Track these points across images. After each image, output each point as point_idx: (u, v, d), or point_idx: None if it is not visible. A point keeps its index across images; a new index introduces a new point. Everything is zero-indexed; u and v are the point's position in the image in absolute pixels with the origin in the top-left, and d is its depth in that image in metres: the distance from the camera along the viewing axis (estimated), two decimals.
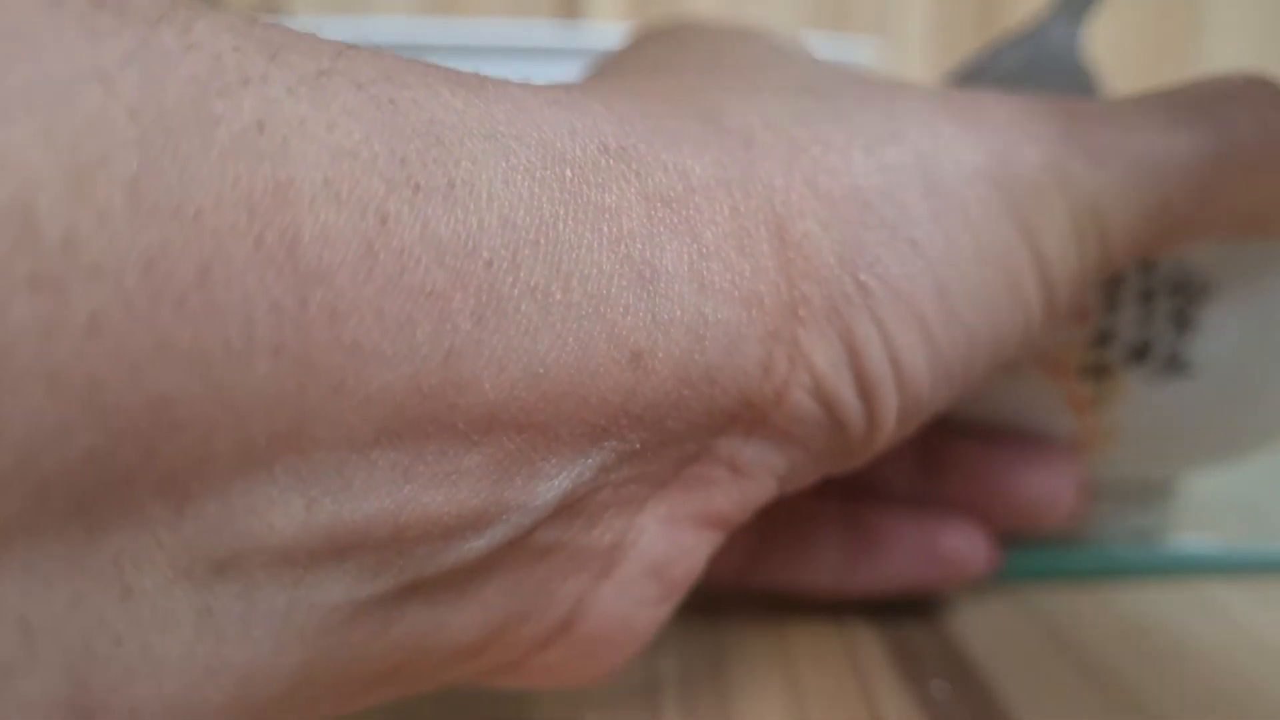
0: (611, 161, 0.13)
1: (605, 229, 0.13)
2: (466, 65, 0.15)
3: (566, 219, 0.12)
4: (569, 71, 0.20)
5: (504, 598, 0.14)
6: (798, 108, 0.16)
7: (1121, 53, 0.57)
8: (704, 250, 0.13)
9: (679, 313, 0.13)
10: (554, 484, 0.13)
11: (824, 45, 0.39)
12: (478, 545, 0.13)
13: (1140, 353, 0.21)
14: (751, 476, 0.15)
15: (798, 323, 0.14)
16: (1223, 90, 0.17)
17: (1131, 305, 0.20)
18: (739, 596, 0.24)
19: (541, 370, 0.12)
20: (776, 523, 0.22)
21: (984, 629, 0.23)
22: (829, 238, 0.14)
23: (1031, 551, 0.26)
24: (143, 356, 0.10)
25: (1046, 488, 0.22)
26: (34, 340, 0.09)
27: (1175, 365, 0.21)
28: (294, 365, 0.11)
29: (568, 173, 0.13)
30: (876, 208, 0.15)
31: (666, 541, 0.15)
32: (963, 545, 0.22)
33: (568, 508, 0.14)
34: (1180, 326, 0.20)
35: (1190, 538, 0.27)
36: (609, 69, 0.18)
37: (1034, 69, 0.24)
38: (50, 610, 0.10)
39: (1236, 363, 0.21)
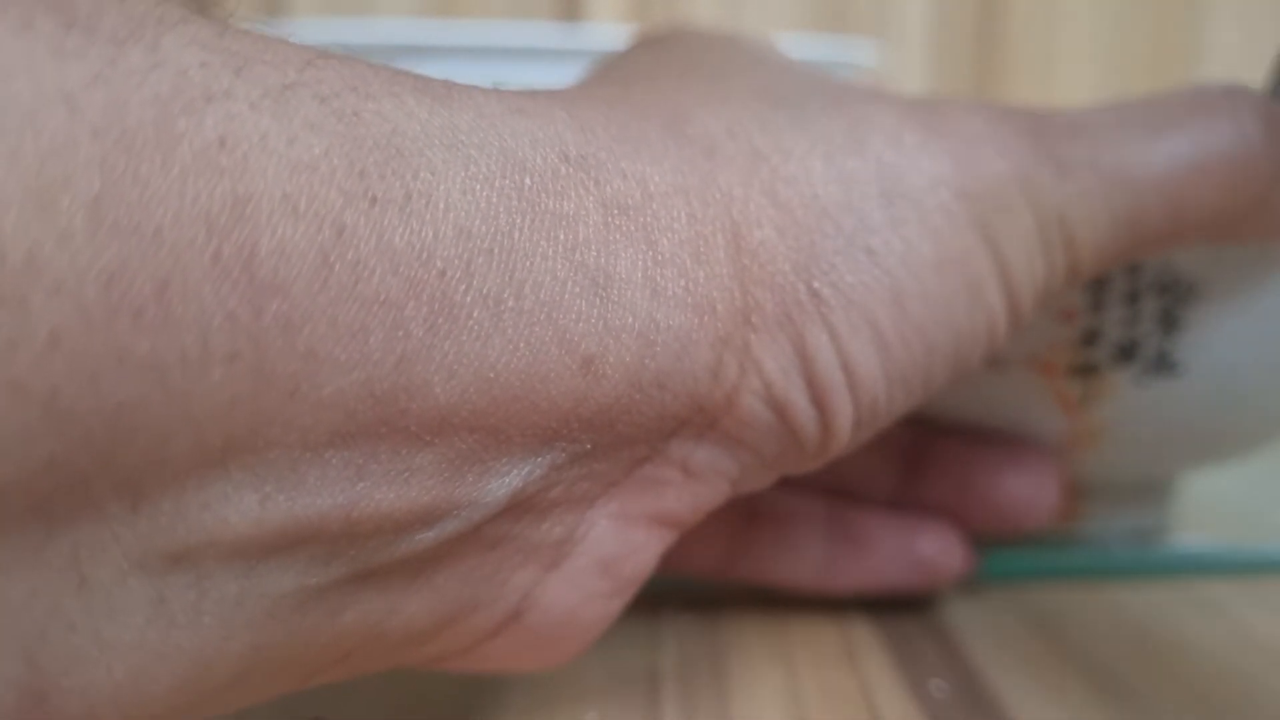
0: (571, 169, 0.13)
1: (561, 237, 0.13)
2: (467, 66, 0.15)
3: (523, 227, 0.13)
4: (569, 73, 0.20)
5: (454, 587, 0.14)
6: (763, 116, 0.16)
7: (1120, 49, 0.57)
8: (659, 257, 0.14)
9: (631, 319, 0.13)
10: (505, 482, 0.13)
11: (823, 47, 0.39)
12: (427, 537, 0.13)
13: (1127, 352, 0.21)
14: (703, 479, 0.15)
15: (750, 329, 0.14)
16: (1200, 101, 0.18)
17: (1118, 306, 0.20)
18: (738, 595, 0.24)
19: (492, 375, 0.12)
20: (762, 517, 0.22)
21: (983, 628, 0.23)
22: (785, 245, 0.15)
23: (1031, 551, 0.26)
24: (101, 367, 0.10)
25: (1027, 490, 0.22)
26: None
27: (1163, 365, 0.21)
28: (249, 372, 0.11)
29: (527, 181, 0.13)
30: (834, 216, 0.15)
31: (616, 538, 0.15)
32: (939, 549, 0.22)
33: (518, 504, 0.14)
34: (1167, 327, 0.20)
35: (1189, 538, 0.27)
36: (593, 76, 0.18)
37: None
38: (8, 600, 0.10)
39: (1225, 362, 0.21)
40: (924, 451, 0.23)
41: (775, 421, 0.15)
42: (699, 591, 0.24)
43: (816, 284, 0.15)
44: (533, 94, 0.15)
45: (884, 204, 0.15)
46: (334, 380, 0.11)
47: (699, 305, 0.14)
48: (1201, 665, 0.21)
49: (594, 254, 0.13)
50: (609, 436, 0.14)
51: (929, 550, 0.22)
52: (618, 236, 0.13)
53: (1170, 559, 0.26)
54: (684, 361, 0.14)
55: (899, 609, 0.23)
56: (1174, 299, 0.20)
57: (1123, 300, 0.20)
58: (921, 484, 0.23)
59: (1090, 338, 0.21)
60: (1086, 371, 0.21)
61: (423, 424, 0.12)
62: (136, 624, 0.11)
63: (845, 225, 0.15)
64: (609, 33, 0.43)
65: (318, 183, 0.11)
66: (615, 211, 0.14)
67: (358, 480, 0.12)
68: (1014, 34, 0.56)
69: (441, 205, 0.12)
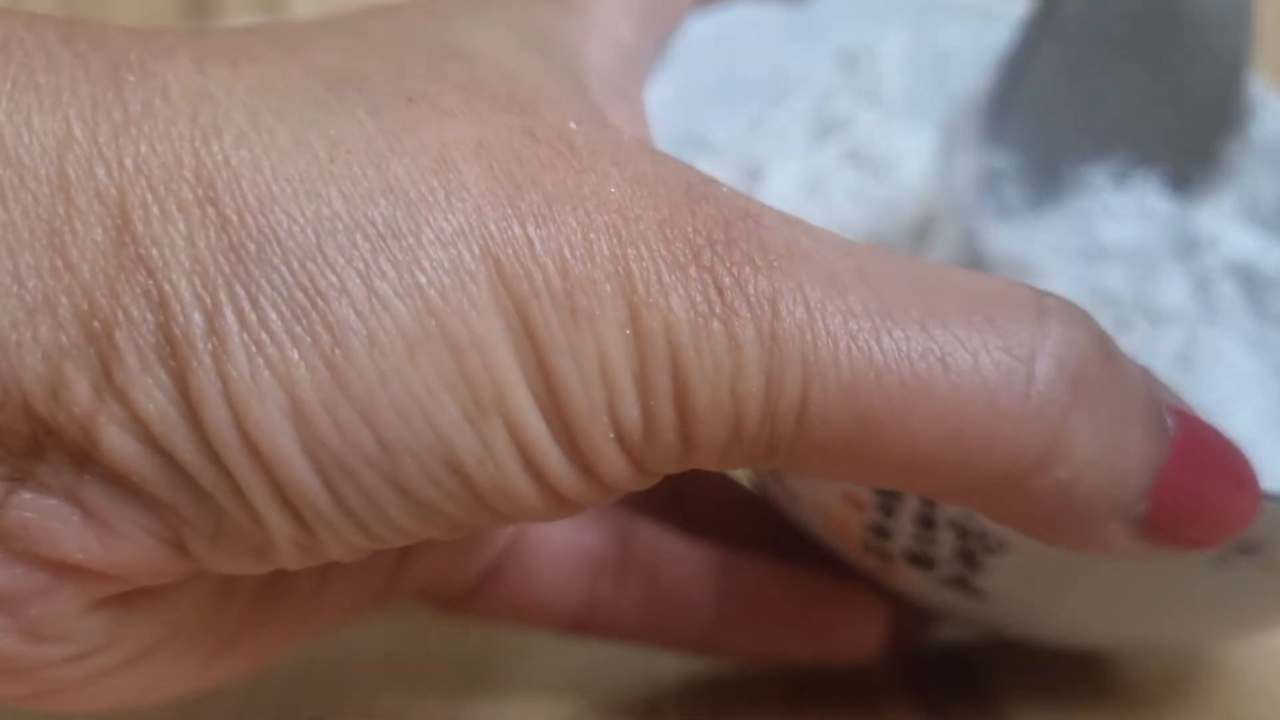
0: None
1: None
2: None
3: None
4: None
5: None
6: (289, 89, 0.13)
7: None
8: None
9: None
10: None
11: None
12: None
13: (923, 564, 0.17)
14: (117, 530, 0.13)
15: (112, 348, 0.12)
16: (999, 304, 0.13)
17: (909, 522, 0.17)
18: None
19: None
20: (637, 564, 0.20)
21: (984, 628, 0.21)
22: (192, 252, 0.12)
23: None
24: None
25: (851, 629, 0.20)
26: None
27: (962, 587, 0.18)
28: None
29: None
30: (280, 234, 0.12)
31: (4, 575, 0.13)
32: (850, 623, 0.20)
33: None
34: (969, 564, 0.17)
35: None
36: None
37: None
38: None
39: (1030, 601, 0.18)
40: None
41: (170, 472, 0.12)
42: None
43: (221, 315, 0.12)
44: None
45: (367, 238, 0.12)
46: None
47: (31, 302, 0.12)
48: (1199, 663, 0.21)
49: None
50: None
51: (837, 624, 0.20)
52: None
53: None
54: (1, 366, 0.12)
55: None
56: (979, 546, 0.16)
57: (915, 520, 0.17)
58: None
59: (881, 532, 0.17)
60: (881, 555, 0.18)
61: None
62: None
63: (290, 246, 0.12)
64: None
65: None
66: None
67: None
68: None
69: None
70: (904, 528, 0.17)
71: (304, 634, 0.17)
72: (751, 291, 0.12)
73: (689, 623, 0.20)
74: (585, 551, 0.20)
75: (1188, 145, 0.19)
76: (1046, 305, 0.13)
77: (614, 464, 0.13)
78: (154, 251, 0.12)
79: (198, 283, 0.12)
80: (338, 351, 0.12)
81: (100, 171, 0.12)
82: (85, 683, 0.14)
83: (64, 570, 0.13)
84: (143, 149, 0.12)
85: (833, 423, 0.12)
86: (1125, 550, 0.14)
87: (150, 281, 0.12)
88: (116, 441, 0.12)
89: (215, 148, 0.12)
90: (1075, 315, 0.13)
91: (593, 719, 0.19)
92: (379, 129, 0.13)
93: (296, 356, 0.12)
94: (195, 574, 0.14)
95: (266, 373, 0.12)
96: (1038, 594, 0.18)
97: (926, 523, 0.17)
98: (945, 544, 0.17)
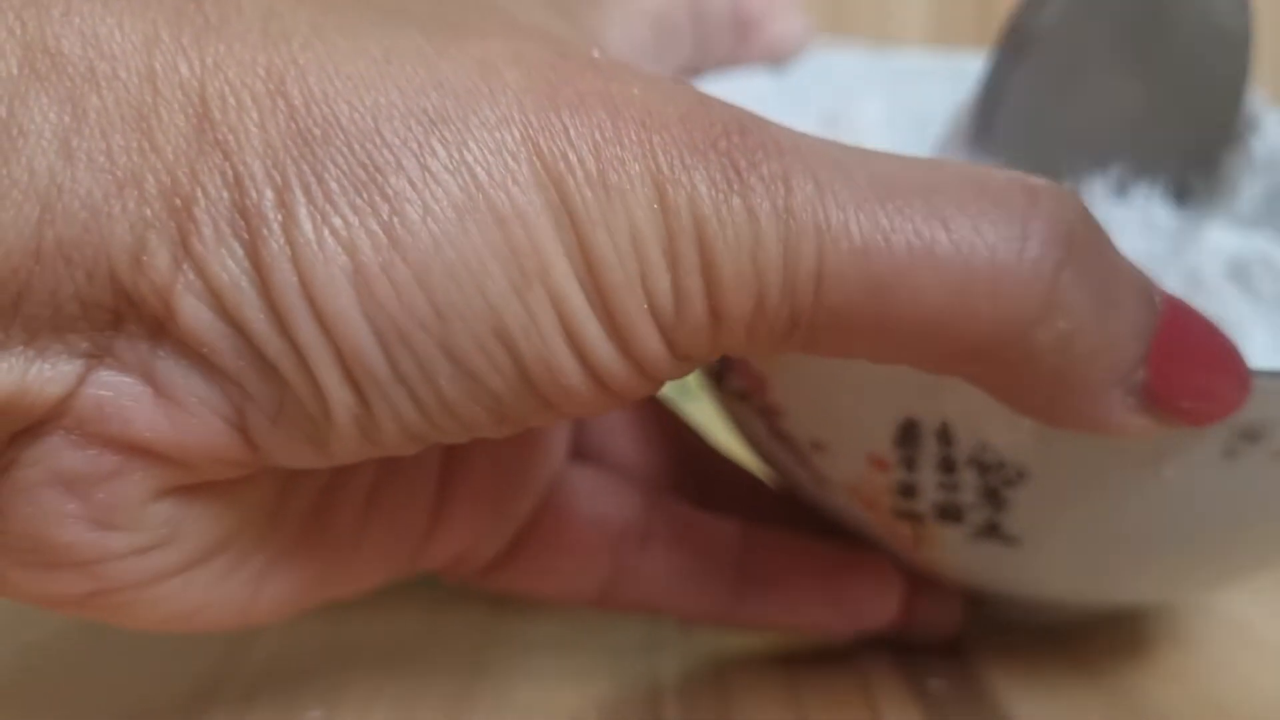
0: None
1: None
2: None
3: None
4: None
5: None
6: (340, 12, 0.14)
7: None
8: (82, 115, 0.13)
9: (26, 177, 0.12)
10: None
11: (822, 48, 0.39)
12: None
13: (952, 515, 0.18)
14: (184, 407, 0.14)
15: (190, 221, 0.13)
16: (996, 185, 0.14)
17: (931, 470, 0.17)
18: None
19: None
20: (657, 537, 0.21)
21: (982, 626, 0.22)
22: (263, 138, 0.13)
23: None
24: None
25: (868, 594, 0.21)
26: None
27: (995, 534, 0.18)
28: None
29: None
30: (343, 119, 0.13)
31: (77, 457, 0.14)
32: (869, 593, 0.21)
33: None
34: (995, 504, 0.17)
35: None
36: None
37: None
38: None
39: (1067, 540, 0.18)
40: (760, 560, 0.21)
41: (239, 344, 0.13)
42: None
43: (289, 190, 0.13)
44: None
45: (420, 123, 0.13)
46: None
47: (121, 177, 0.13)
48: (1200, 663, 0.21)
49: None
50: (20, 317, 0.13)
51: (856, 590, 0.20)
52: (33, 83, 0.13)
53: None
54: (92, 235, 0.13)
55: None
56: (1000, 480, 0.17)
57: (936, 466, 0.17)
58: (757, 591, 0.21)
59: (909, 490, 0.18)
60: (912, 518, 0.18)
61: None
62: None
63: (351, 131, 0.13)
64: None
65: None
66: (40, 55, 0.13)
67: None
68: None
69: None
70: (928, 478, 0.17)
71: (338, 588, 0.18)
72: (765, 171, 0.14)
73: (710, 591, 0.20)
74: (610, 522, 0.20)
75: (1189, 155, 0.20)
76: (1036, 183, 0.14)
77: (649, 341, 0.14)
78: (230, 136, 0.13)
79: (269, 163, 0.13)
80: (395, 219, 0.13)
81: (183, 67, 0.13)
82: (142, 583, 0.15)
83: (133, 452, 0.14)
84: (220, 49, 0.13)
85: (849, 288, 0.14)
86: (1129, 425, 0.15)
87: (226, 163, 0.13)
88: (191, 310, 0.13)
89: (284, 50, 0.13)
90: (1062, 192, 0.14)
91: (593, 718, 0.19)
92: (429, 41, 0.14)
93: (358, 223, 0.13)
94: (255, 467, 0.14)
95: (330, 239, 0.13)
96: (1065, 527, 0.18)
97: (947, 466, 0.17)
98: (969, 486, 0.17)
